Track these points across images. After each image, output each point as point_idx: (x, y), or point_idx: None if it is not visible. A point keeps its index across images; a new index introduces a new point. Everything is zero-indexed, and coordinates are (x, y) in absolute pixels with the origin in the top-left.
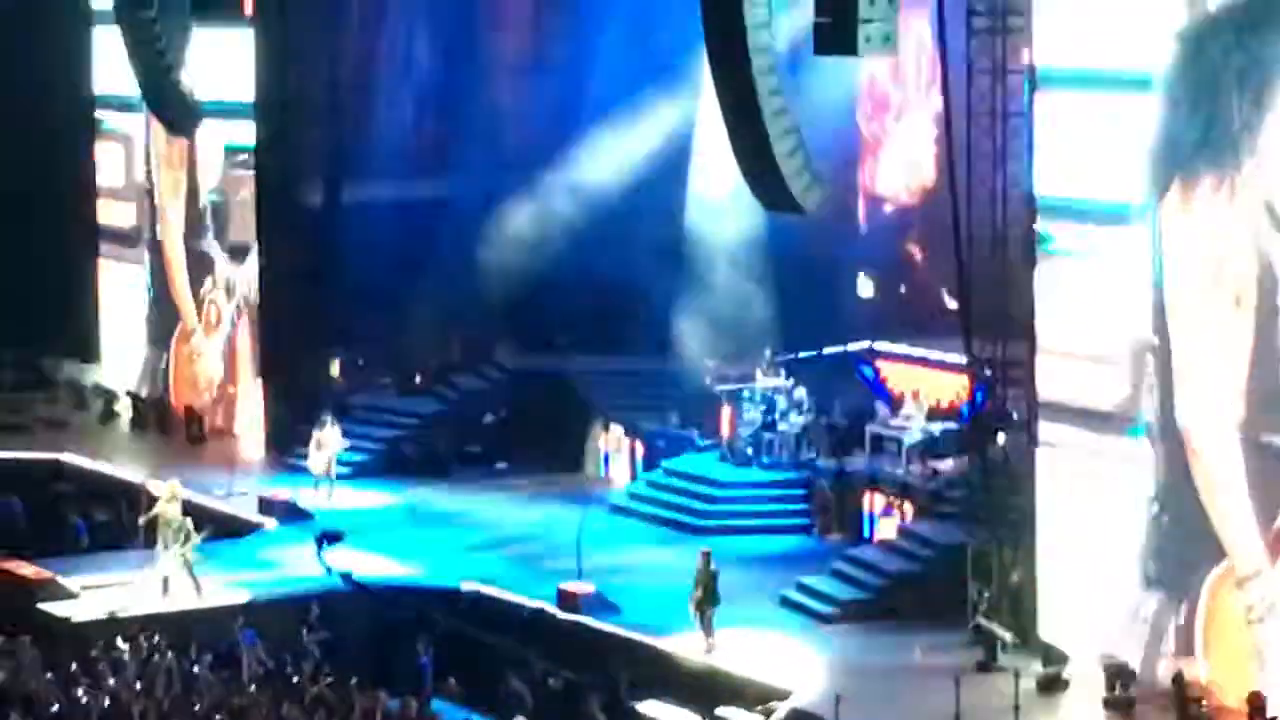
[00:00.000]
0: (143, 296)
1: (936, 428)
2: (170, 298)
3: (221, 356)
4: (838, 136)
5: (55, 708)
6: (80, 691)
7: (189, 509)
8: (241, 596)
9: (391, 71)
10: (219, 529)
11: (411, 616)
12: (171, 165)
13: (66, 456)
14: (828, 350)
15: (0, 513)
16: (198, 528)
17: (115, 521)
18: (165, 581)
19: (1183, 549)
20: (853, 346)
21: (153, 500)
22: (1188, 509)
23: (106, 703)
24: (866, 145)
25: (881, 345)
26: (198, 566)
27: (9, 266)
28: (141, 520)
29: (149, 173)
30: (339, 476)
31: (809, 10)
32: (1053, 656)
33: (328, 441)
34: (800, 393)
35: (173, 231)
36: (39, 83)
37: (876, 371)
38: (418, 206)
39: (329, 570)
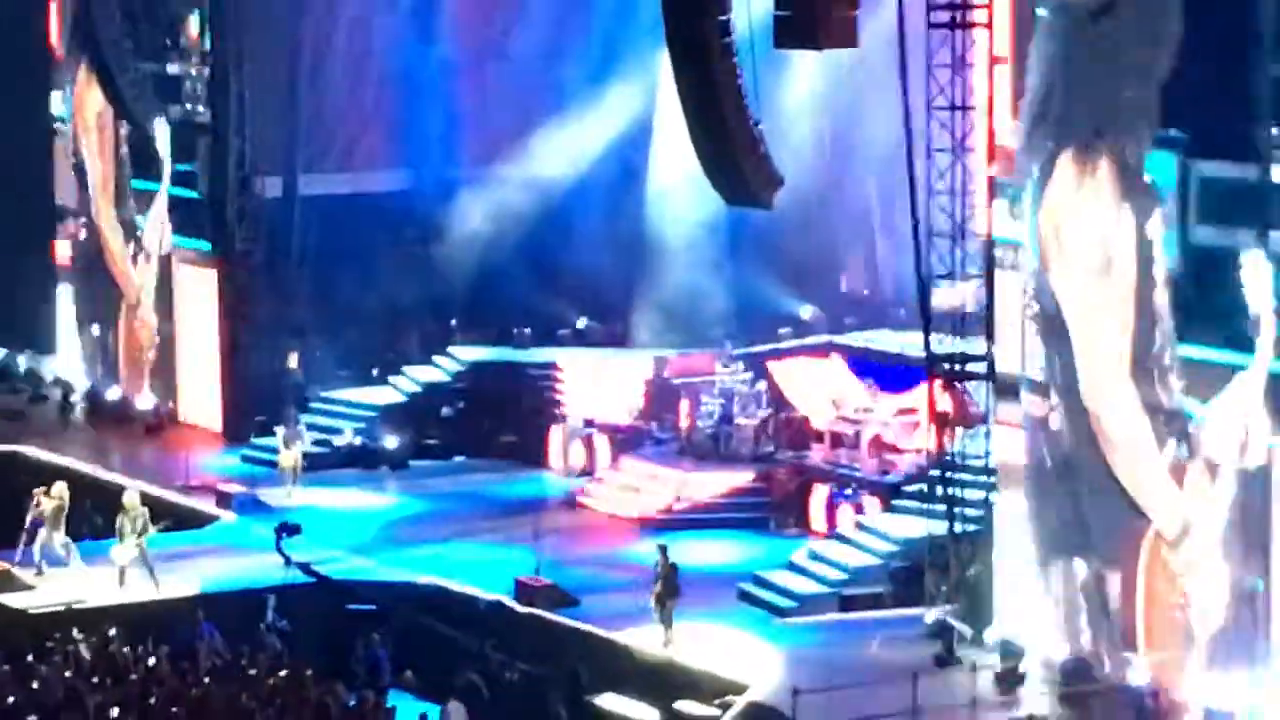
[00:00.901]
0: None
1: (895, 422)
2: (107, 274)
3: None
4: (800, 130)
5: (10, 699)
6: (35, 684)
7: (146, 500)
8: (198, 588)
9: (349, 63)
10: (177, 521)
11: (369, 609)
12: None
13: (24, 448)
14: (786, 344)
15: None
16: (154, 519)
17: (74, 513)
18: (122, 573)
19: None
20: (809, 340)
21: (40, 502)
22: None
23: (61, 694)
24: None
25: (840, 339)
26: (155, 558)
27: None
28: (29, 518)
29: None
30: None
31: (770, 3)
32: (1010, 650)
33: (294, 438)
34: (760, 386)
35: (105, 208)
36: None
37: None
38: (375, 199)
39: (288, 562)
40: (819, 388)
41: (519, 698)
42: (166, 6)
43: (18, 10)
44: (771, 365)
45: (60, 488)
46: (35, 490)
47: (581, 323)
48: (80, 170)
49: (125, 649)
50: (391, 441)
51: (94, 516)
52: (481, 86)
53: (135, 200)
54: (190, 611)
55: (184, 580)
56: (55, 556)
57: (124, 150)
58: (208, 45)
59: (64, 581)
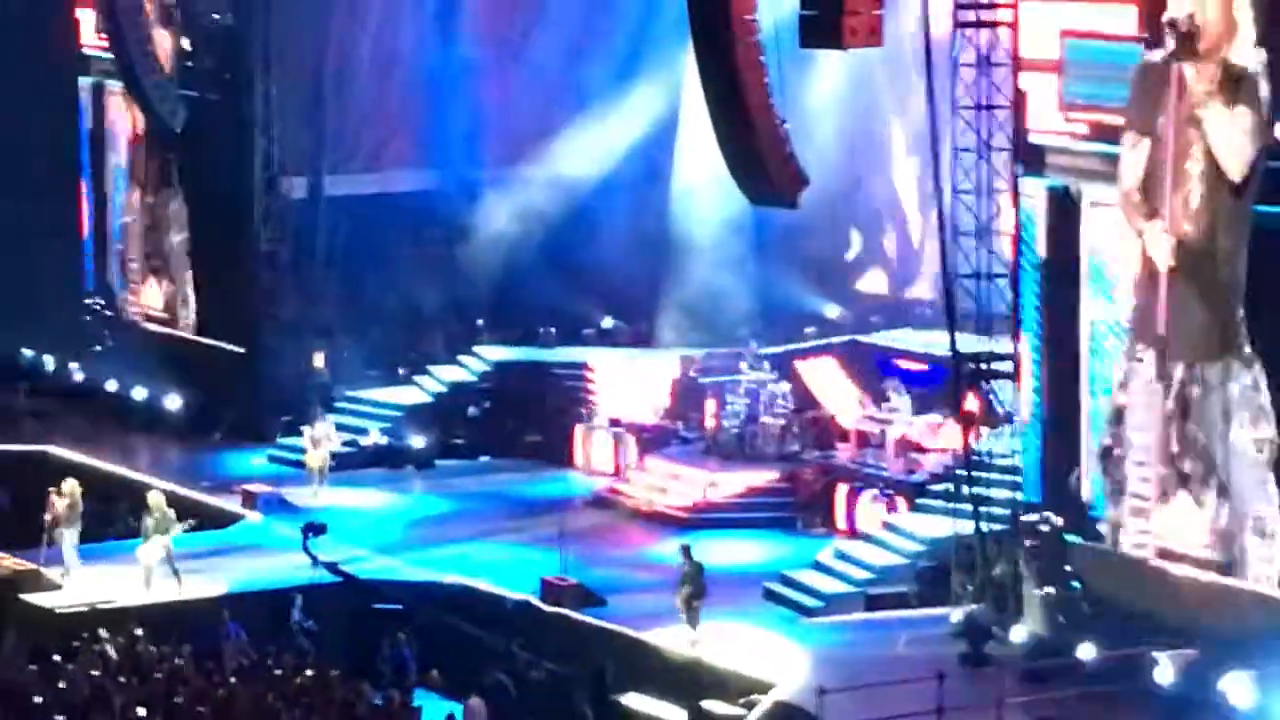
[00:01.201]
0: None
1: (921, 421)
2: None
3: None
4: (825, 130)
5: (37, 698)
6: (62, 683)
7: (172, 501)
8: (223, 588)
9: (375, 64)
10: (203, 520)
11: (395, 608)
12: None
13: (53, 449)
14: (811, 343)
15: None
16: (180, 518)
17: (103, 513)
18: (148, 573)
19: None
20: (835, 339)
21: (54, 502)
22: None
23: (88, 693)
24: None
25: (863, 338)
26: (180, 558)
27: None
28: (47, 519)
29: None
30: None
31: (796, 2)
32: (1036, 650)
33: (322, 438)
34: (785, 385)
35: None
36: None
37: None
38: (400, 199)
39: (315, 562)
40: (844, 387)
41: (545, 697)
42: (193, 5)
43: (44, 11)
44: (799, 364)
45: (71, 486)
46: (50, 489)
47: (608, 322)
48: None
49: (151, 648)
50: (417, 441)
51: (128, 517)
52: (505, 87)
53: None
54: (216, 611)
55: (210, 580)
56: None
57: None
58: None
59: (92, 581)
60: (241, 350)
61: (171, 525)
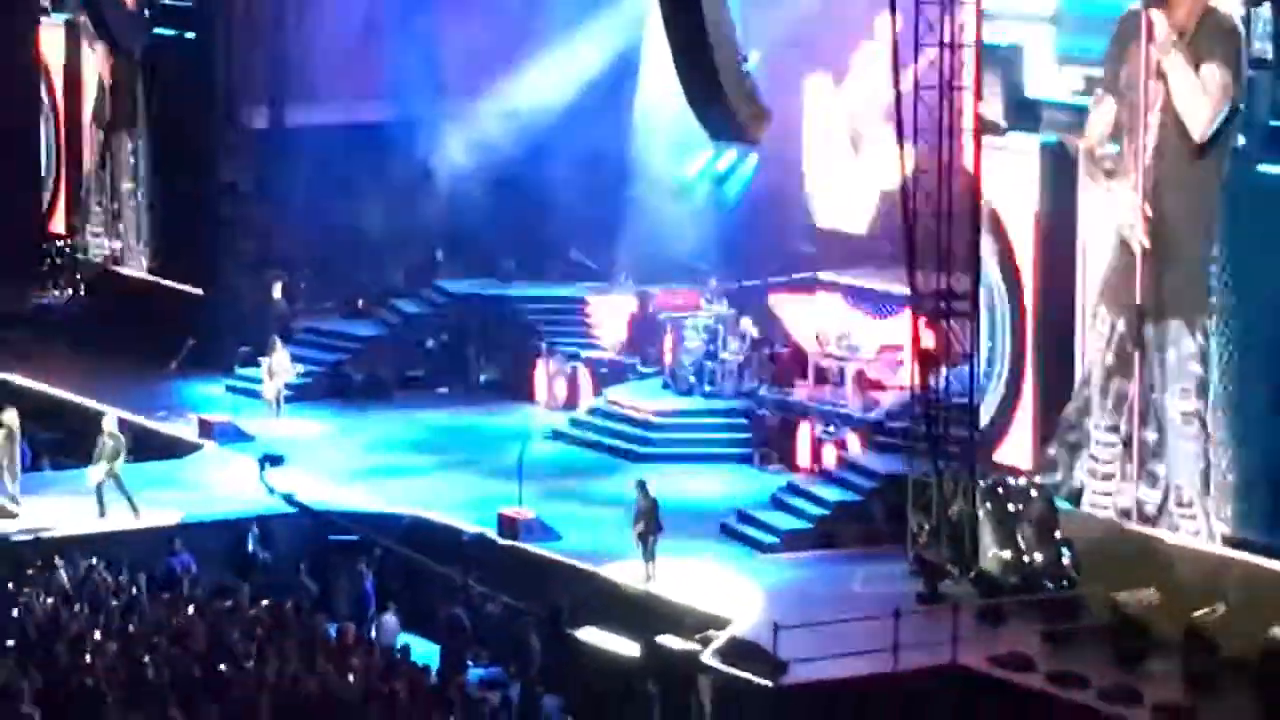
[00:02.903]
0: None
1: (880, 359)
2: None
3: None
4: (785, 67)
5: None
6: (15, 611)
7: (127, 430)
8: (175, 518)
9: None
10: (159, 450)
11: (352, 540)
12: None
13: (8, 375)
14: (771, 280)
15: None
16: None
17: (60, 441)
18: (99, 499)
19: None
20: (796, 276)
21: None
22: None
23: (42, 621)
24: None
25: (825, 276)
26: (136, 488)
27: None
28: None
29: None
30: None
31: None
32: (992, 588)
33: (279, 368)
34: (744, 322)
35: None
36: None
37: None
38: (361, 130)
39: (271, 492)
40: (813, 322)
41: (501, 631)
42: None
43: None
44: (773, 299)
45: (9, 415)
46: None
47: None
48: None
49: (106, 577)
50: (376, 373)
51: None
52: (466, 17)
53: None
54: (170, 541)
55: (165, 509)
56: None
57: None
58: None
59: (45, 510)
60: (199, 292)
61: (120, 452)
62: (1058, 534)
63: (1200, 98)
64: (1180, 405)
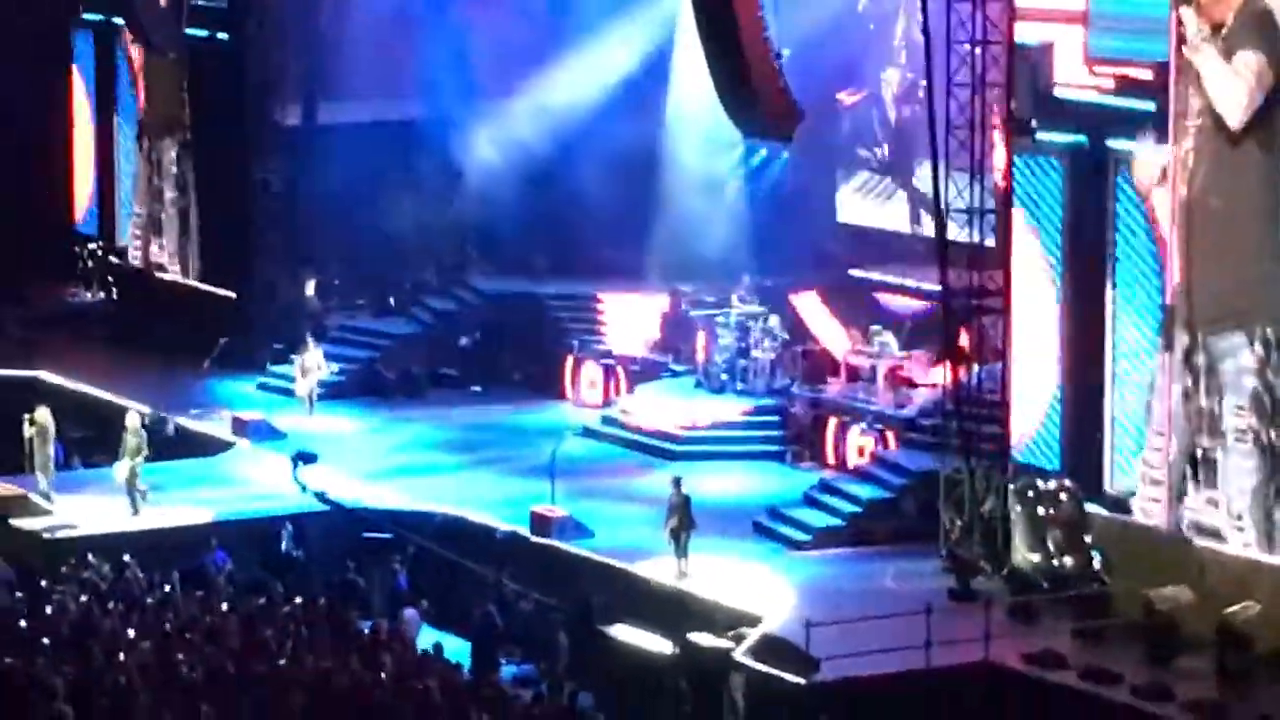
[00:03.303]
0: None
1: (912, 356)
2: None
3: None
4: (819, 62)
5: (24, 623)
6: (49, 609)
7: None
8: (209, 515)
9: None
10: (193, 448)
11: (385, 538)
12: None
13: (43, 374)
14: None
15: None
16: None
17: (93, 439)
18: (133, 499)
19: None
20: (827, 273)
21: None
22: None
23: (76, 619)
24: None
25: (856, 273)
26: (170, 486)
27: None
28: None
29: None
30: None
31: None
32: (1024, 585)
33: (312, 366)
34: (774, 319)
35: None
36: None
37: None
38: (394, 128)
39: (304, 490)
40: (835, 321)
41: (533, 628)
42: None
43: None
44: (793, 299)
45: (43, 414)
46: (25, 416)
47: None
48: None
49: (140, 574)
50: (409, 371)
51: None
52: (498, 16)
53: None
54: (205, 539)
55: (199, 507)
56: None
57: None
58: None
59: (80, 507)
60: (233, 295)
61: (142, 449)
62: (1088, 538)
63: (1232, 83)
64: (1234, 420)
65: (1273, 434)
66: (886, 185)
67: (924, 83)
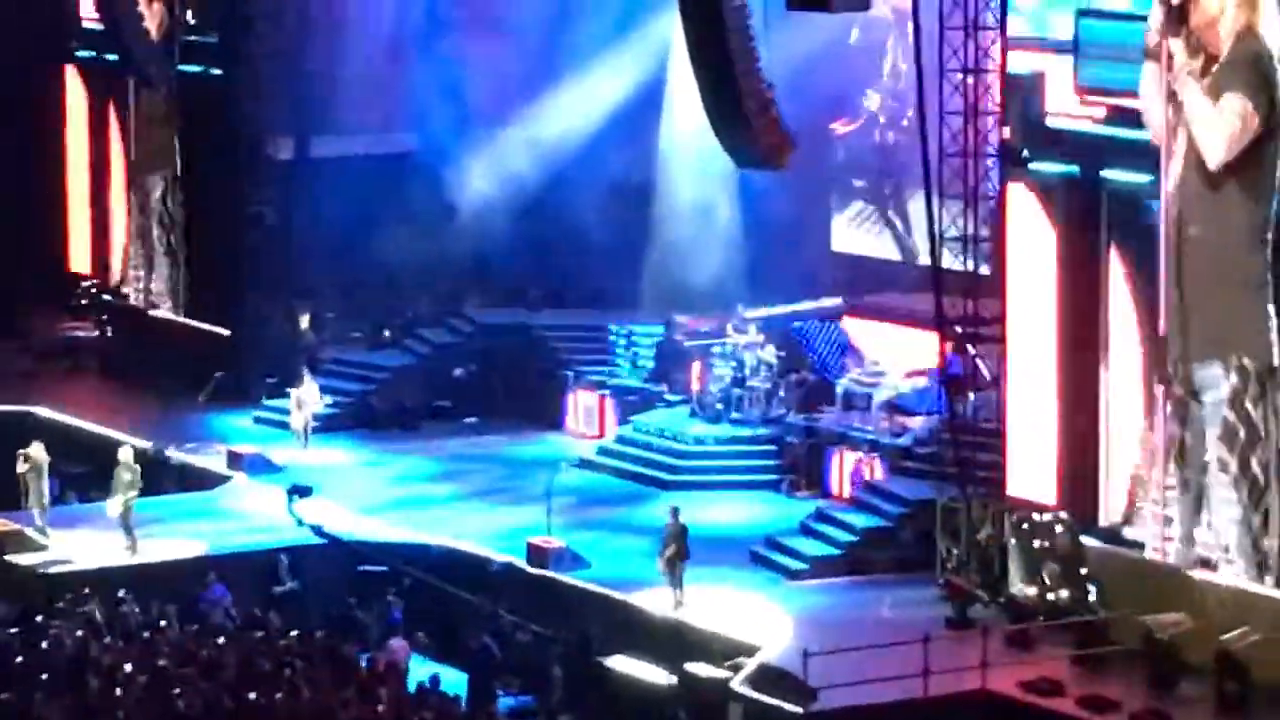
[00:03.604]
0: None
1: (907, 385)
2: None
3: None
4: (811, 92)
5: (20, 658)
6: (45, 644)
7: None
8: (200, 549)
9: (360, 25)
10: (189, 482)
11: (381, 570)
12: None
13: (38, 409)
14: (800, 307)
15: None
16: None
17: (89, 474)
18: (129, 535)
19: None
20: (825, 303)
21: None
22: None
23: (72, 654)
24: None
25: (852, 300)
26: (165, 520)
27: None
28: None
29: None
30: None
31: None
32: (1024, 613)
33: (307, 399)
34: (770, 350)
35: None
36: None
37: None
38: (387, 161)
39: (300, 523)
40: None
41: (531, 659)
42: None
43: None
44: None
45: (36, 449)
46: (19, 452)
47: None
48: None
49: (136, 609)
50: (403, 403)
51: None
52: (491, 49)
53: None
54: (201, 573)
55: (195, 541)
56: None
57: None
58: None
59: (76, 542)
60: (228, 333)
61: (135, 484)
62: (1084, 570)
63: (1216, 124)
64: (1215, 451)
65: (1254, 464)
66: (880, 214)
67: (911, 112)
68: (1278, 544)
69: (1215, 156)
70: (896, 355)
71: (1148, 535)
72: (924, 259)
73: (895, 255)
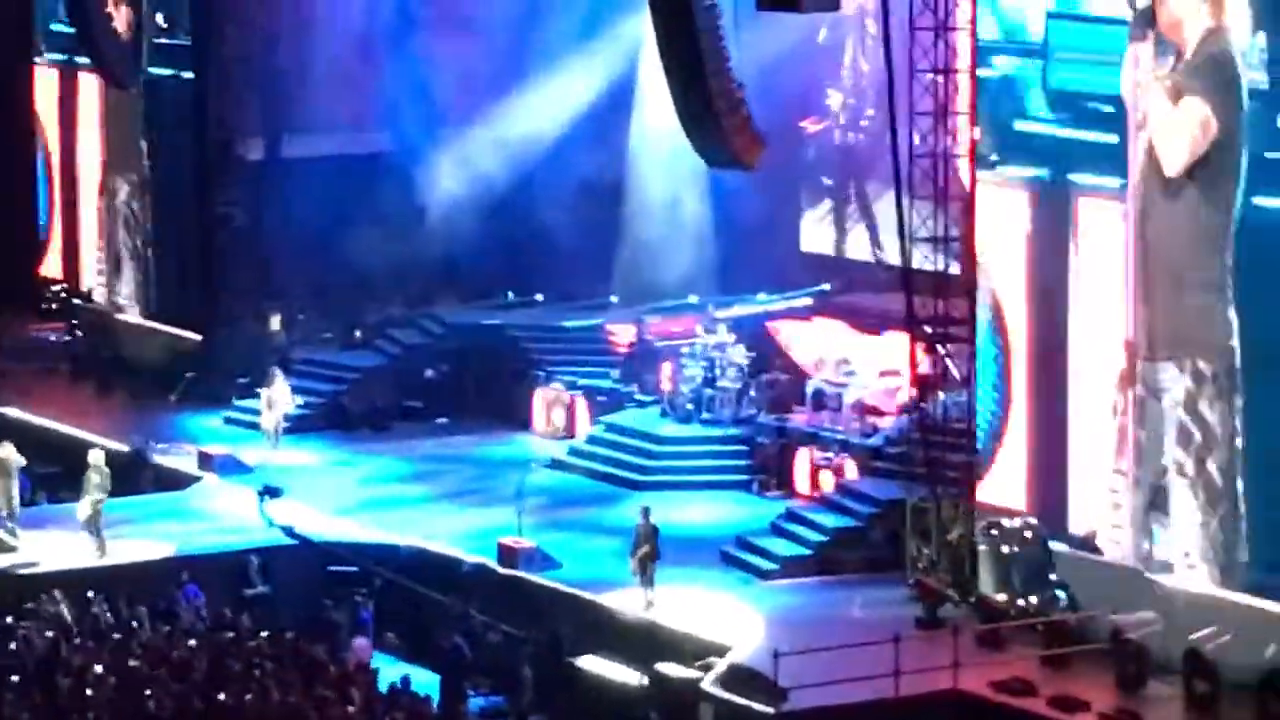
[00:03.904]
0: None
1: (877, 385)
2: None
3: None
4: (780, 91)
5: None
6: (13, 645)
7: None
8: (171, 550)
9: (329, 25)
10: (159, 482)
11: (351, 571)
12: None
13: (6, 409)
14: (771, 307)
15: None
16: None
17: (59, 475)
18: (97, 537)
19: None
20: (796, 303)
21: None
22: None
23: (42, 655)
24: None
25: (822, 300)
26: (136, 520)
27: None
28: None
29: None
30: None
31: None
32: (994, 613)
33: (278, 399)
34: (740, 349)
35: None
36: None
37: None
38: (357, 161)
39: (271, 524)
40: (816, 347)
41: (502, 659)
42: None
43: None
44: (772, 325)
45: (6, 449)
46: None
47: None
48: None
49: (106, 610)
50: (374, 404)
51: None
52: (460, 48)
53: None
54: (174, 573)
55: (165, 542)
56: None
57: None
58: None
59: (46, 543)
60: (198, 338)
61: (105, 486)
62: (1053, 576)
63: (1176, 130)
64: (1173, 453)
65: (1210, 467)
66: (849, 212)
67: (870, 111)
68: (1237, 550)
69: (1173, 163)
70: (867, 355)
71: (1105, 538)
72: (893, 257)
73: (865, 255)
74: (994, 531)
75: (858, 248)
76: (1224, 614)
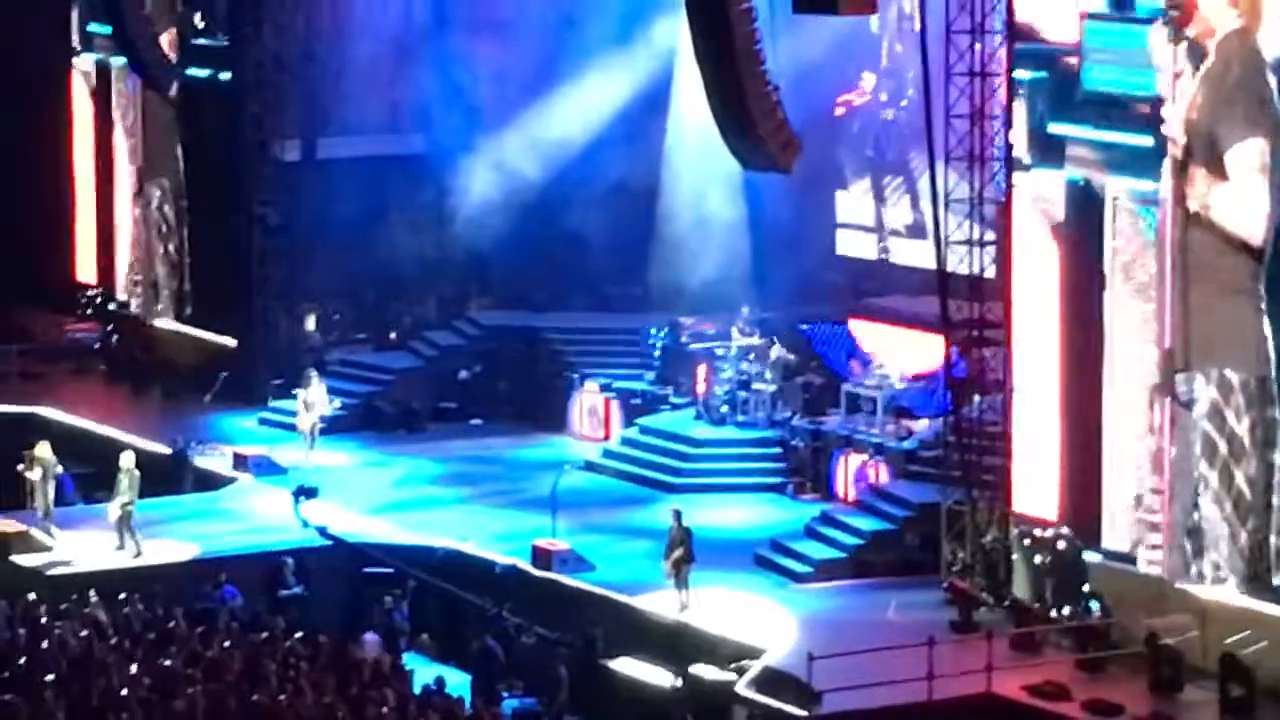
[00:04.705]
0: None
1: (913, 387)
2: None
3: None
4: (817, 94)
5: (25, 660)
6: (45, 644)
7: (159, 463)
8: (215, 551)
9: (366, 26)
10: (195, 483)
11: (386, 572)
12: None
13: (42, 409)
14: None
15: None
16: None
17: (94, 475)
18: (126, 536)
19: None
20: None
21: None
22: None
23: (77, 655)
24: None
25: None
26: (172, 521)
27: None
28: (24, 471)
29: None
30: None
31: None
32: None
33: (315, 401)
34: (776, 351)
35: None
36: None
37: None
38: (392, 162)
39: (305, 525)
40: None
41: (535, 661)
42: None
43: None
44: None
45: (42, 450)
46: (24, 452)
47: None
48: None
49: (142, 610)
50: (409, 405)
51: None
52: (498, 50)
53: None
54: (211, 574)
55: (199, 543)
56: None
57: None
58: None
59: (82, 544)
60: (232, 342)
61: (135, 487)
62: (1086, 587)
63: (1249, 192)
64: (1202, 466)
65: (1238, 479)
66: (890, 208)
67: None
68: (1267, 562)
69: (1259, 233)
70: (901, 358)
71: (1141, 549)
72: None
73: (901, 258)
74: (1027, 541)
75: (894, 252)
76: (1258, 625)
